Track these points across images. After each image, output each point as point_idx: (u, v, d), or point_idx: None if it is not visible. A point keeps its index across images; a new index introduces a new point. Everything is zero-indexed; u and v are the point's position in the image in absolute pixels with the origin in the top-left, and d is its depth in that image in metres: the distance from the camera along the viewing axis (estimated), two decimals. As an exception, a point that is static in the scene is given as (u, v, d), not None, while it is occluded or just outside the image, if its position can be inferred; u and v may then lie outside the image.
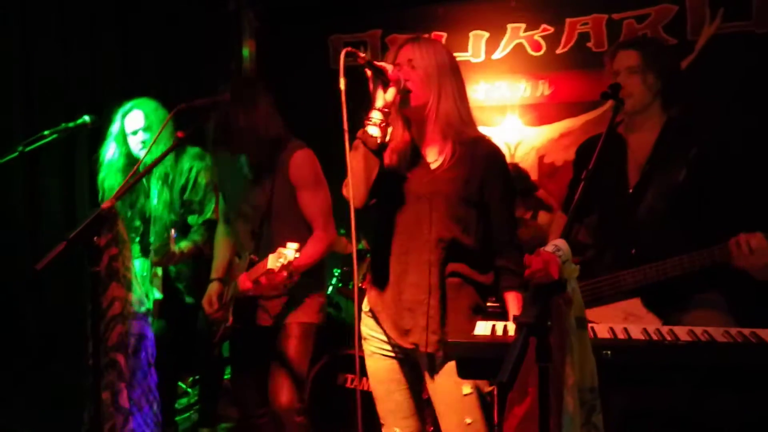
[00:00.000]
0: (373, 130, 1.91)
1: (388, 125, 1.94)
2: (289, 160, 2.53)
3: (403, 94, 1.94)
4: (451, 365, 1.90)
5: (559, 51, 4.09)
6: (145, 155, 2.80)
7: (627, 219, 2.22)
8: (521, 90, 4.24)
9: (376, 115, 1.91)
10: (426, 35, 2.06)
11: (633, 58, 2.22)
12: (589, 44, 4.00)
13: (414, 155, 2.08)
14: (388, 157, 2.03)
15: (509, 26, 4.22)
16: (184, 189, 3.06)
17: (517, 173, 3.80)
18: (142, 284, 3.14)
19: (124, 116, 3.06)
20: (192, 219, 3.10)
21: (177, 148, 2.95)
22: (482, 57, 4.32)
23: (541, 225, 3.61)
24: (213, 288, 2.77)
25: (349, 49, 1.80)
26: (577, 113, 4.06)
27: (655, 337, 1.80)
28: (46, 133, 2.95)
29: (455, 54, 4.25)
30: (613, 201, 2.26)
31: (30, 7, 3.59)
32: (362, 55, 1.82)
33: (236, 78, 4.29)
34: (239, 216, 2.70)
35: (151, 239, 3.11)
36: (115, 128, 3.07)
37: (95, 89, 3.83)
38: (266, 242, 2.56)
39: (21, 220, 3.56)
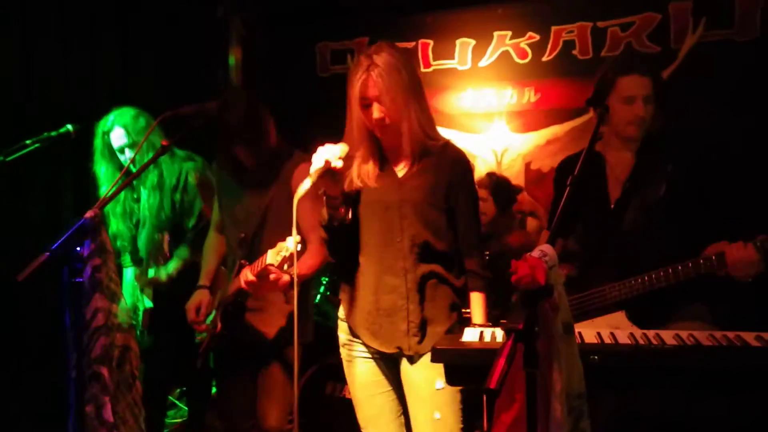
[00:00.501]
0: (333, 219, 2.06)
1: (347, 209, 2.08)
2: (295, 169, 2.51)
3: (381, 129, 2.05)
4: (426, 359, 2.01)
5: (545, 58, 4.12)
6: (130, 163, 2.78)
7: (609, 234, 2.23)
8: (508, 97, 4.26)
9: (331, 207, 2.04)
10: (382, 50, 2.02)
11: (647, 87, 2.17)
12: (575, 52, 4.03)
13: (382, 167, 2.14)
14: (357, 178, 2.11)
15: (495, 34, 4.24)
16: (175, 189, 3.04)
17: (503, 181, 3.82)
18: (132, 293, 3.12)
19: (106, 134, 3.02)
20: (186, 222, 3.09)
21: (163, 155, 2.92)
22: (469, 64, 4.33)
23: (529, 232, 3.61)
24: (199, 295, 2.73)
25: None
26: (563, 120, 4.08)
27: (641, 342, 1.81)
28: (28, 142, 2.91)
29: (442, 62, 4.42)
30: (594, 216, 2.27)
31: (29, 8, 3.58)
32: (308, 187, 1.89)
33: (230, 86, 4.29)
34: (232, 222, 2.68)
35: (140, 245, 3.09)
36: (99, 144, 3.04)
37: (93, 93, 3.85)
38: (256, 250, 2.54)
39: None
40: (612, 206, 2.26)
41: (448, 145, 2.14)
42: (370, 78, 1.98)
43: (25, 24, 3.57)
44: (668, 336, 1.83)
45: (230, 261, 2.73)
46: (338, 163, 1.92)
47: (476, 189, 2.23)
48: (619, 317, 2.10)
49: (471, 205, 2.16)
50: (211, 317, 2.68)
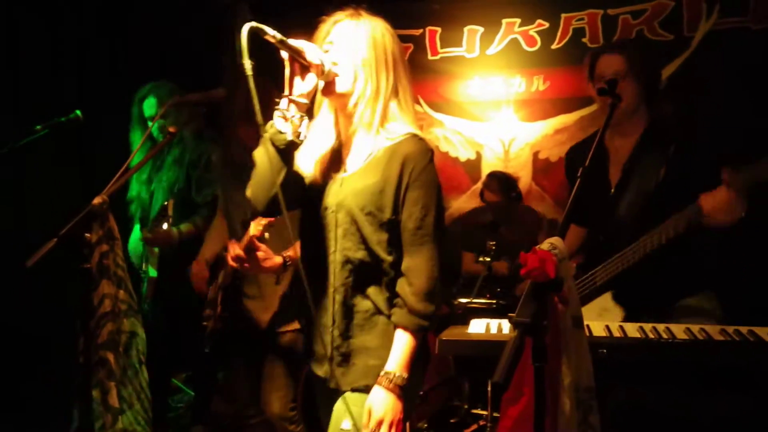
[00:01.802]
0: (281, 124, 1.56)
1: (302, 118, 1.58)
2: None
3: (326, 79, 1.61)
4: (350, 396, 1.65)
5: (554, 46, 4.08)
6: (139, 147, 2.80)
7: (609, 220, 2.20)
8: (516, 85, 4.22)
9: (284, 105, 1.57)
10: (367, 12, 1.70)
11: (619, 63, 2.17)
12: (585, 39, 3.98)
13: (335, 157, 1.74)
14: (310, 161, 1.71)
15: (504, 21, 4.19)
16: (194, 165, 3.10)
17: (502, 174, 3.78)
18: (138, 261, 3.17)
19: (141, 102, 3.16)
20: (199, 198, 3.13)
21: (171, 142, 2.95)
22: (477, 52, 4.29)
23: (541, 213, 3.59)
24: (198, 267, 2.81)
25: (254, 25, 1.42)
26: (572, 109, 4.05)
27: (651, 336, 1.80)
28: (38, 127, 2.91)
29: (449, 49, 4.37)
30: (595, 203, 2.24)
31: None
32: (271, 33, 1.46)
33: (236, 71, 4.27)
34: (236, 206, 2.68)
35: (152, 212, 3.14)
36: (135, 112, 3.17)
37: (98, 80, 3.87)
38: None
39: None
40: (612, 191, 2.23)
41: (411, 138, 1.65)
42: (347, 22, 1.67)
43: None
44: (679, 330, 1.81)
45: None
46: (315, 60, 1.56)
47: (434, 193, 1.65)
48: (605, 299, 2.08)
49: (418, 211, 1.62)
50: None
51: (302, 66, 1.56)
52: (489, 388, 2.86)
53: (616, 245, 2.12)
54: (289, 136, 1.56)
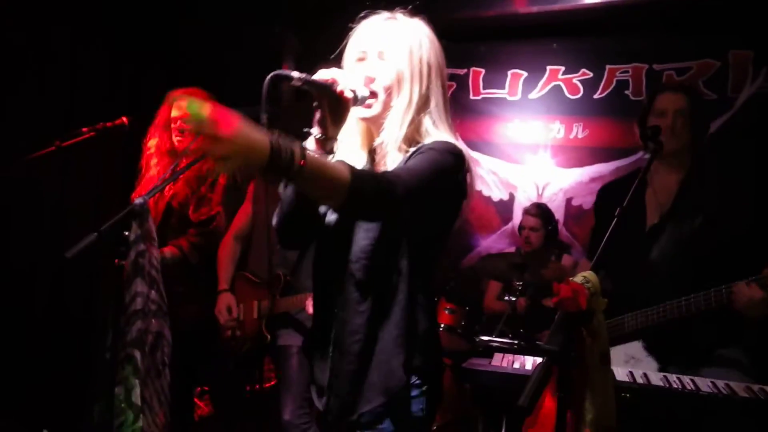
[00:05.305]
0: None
1: (332, 153, 1.45)
2: None
3: (361, 105, 1.47)
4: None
5: (596, 96, 4.12)
6: (182, 151, 2.82)
7: (640, 259, 2.20)
8: (555, 131, 4.25)
9: (312, 144, 1.43)
10: (406, 14, 1.55)
11: (682, 101, 2.25)
12: (627, 92, 4.02)
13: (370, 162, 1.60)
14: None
15: (548, 68, 4.26)
16: (201, 182, 2.94)
17: (550, 212, 3.80)
18: None
19: (171, 103, 3.02)
20: (195, 216, 2.92)
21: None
22: (518, 95, 4.35)
23: (565, 267, 3.57)
24: (225, 298, 2.86)
25: (276, 73, 1.33)
26: (609, 159, 4.06)
27: (674, 386, 1.77)
28: (84, 130, 3.01)
29: (492, 90, 4.43)
30: (627, 239, 2.24)
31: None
32: (296, 77, 1.34)
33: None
34: (265, 228, 2.75)
35: None
36: (163, 112, 3.04)
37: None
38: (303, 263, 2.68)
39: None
40: (646, 230, 2.23)
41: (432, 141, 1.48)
42: (383, 27, 1.51)
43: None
44: (703, 383, 1.79)
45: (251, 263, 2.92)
46: (347, 93, 1.39)
47: (436, 164, 1.42)
48: (636, 347, 2.06)
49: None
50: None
51: (333, 99, 1.40)
52: (503, 429, 2.82)
53: (642, 287, 2.11)
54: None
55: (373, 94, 1.48)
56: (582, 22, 4.02)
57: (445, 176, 1.41)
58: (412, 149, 1.46)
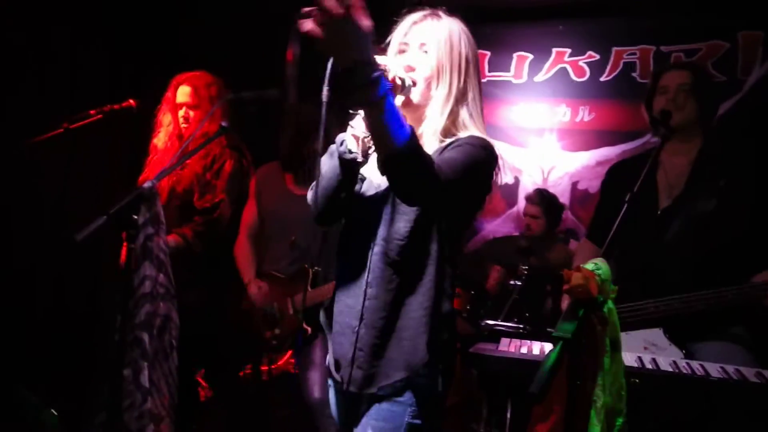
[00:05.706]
0: (351, 143, 1.52)
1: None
2: None
3: (405, 94, 1.53)
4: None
5: (603, 78, 4.08)
6: (188, 137, 2.81)
7: (652, 241, 2.19)
8: (561, 114, 4.22)
9: (357, 124, 1.52)
10: (446, 13, 1.61)
11: (684, 77, 2.25)
12: (634, 74, 3.98)
13: None
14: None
15: (554, 50, 4.22)
16: (206, 168, 2.92)
17: (554, 198, 3.78)
18: None
19: (177, 86, 3.03)
20: (199, 203, 2.91)
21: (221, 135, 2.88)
22: (524, 78, 4.32)
23: (571, 251, 3.57)
24: (253, 284, 2.91)
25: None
26: (616, 142, 4.04)
27: (684, 371, 1.78)
28: (92, 113, 3.00)
29: (497, 73, 4.40)
30: (639, 221, 2.23)
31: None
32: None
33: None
34: (282, 225, 2.85)
35: None
36: (169, 95, 3.04)
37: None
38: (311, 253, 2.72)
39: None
40: (658, 213, 2.22)
41: (464, 137, 1.55)
42: (425, 22, 1.58)
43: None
44: (713, 368, 1.79)
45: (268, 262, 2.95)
46: (396, 81, 1.45)
47: (474, 159, 1.48)
48: (657, 333, 2.06)
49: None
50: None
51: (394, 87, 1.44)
52: (508, 413, 2.84)
53: (656, 271, 2.11)
54: (359, 157, 1.53)
55: (413, 83, 1.54)
56: (588, 4, 3.98)
57: (480, 171, 1.50)
58: (448, 140, 1.53)
